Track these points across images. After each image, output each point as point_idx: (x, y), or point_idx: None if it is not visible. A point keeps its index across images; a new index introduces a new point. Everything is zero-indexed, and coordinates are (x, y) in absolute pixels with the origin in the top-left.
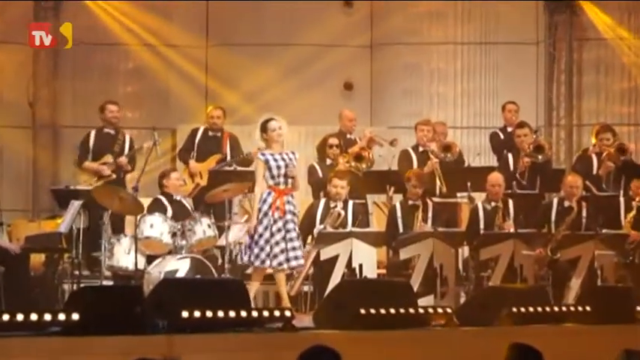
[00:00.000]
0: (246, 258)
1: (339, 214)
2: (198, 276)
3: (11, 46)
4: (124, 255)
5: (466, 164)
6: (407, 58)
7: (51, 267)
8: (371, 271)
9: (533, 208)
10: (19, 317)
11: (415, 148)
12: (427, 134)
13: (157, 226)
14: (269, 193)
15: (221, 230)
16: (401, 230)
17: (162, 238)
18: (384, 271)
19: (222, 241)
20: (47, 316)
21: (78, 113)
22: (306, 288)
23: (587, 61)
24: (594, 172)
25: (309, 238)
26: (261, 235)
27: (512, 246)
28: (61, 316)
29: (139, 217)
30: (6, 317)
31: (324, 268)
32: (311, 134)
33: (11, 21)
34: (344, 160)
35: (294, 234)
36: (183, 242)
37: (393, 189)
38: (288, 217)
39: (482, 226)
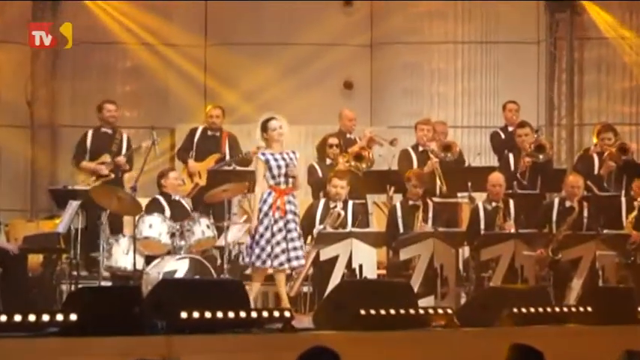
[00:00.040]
0: (247, 259)
1: (339, 215)
2: (197, 276)
3: (9, 45)
4: (122, 255)
5: (467, 164)
6: (407, 58)
7: (49, 267)
8: (371, 272)
9: (534, 208)
10: (17, 318)
11: (415, 147)
12: (427, 134)
13: (156, 227)
14: (269, 193)
15: (220, 230)
16: (401, 230)
17: (161, 239)
18: (384, 271)
19: (221, 242)
20: (45, 317)
21: (76, 113)
22: (305, 289)
23: (588, 60)
24: (595, 171)
25: (309, 238)
26: (262, 236)
27: (513, 246)
28: (59, 317)
29: (137, 218)
30: (4, 318)
31: (323, 268)
32: (311, 134)
33: (9, 20)
34: (344, 160)
35: (295, 234)
36: (182, 242)
37: (393, 189)
38: (289, 216)
39: (482, 226)
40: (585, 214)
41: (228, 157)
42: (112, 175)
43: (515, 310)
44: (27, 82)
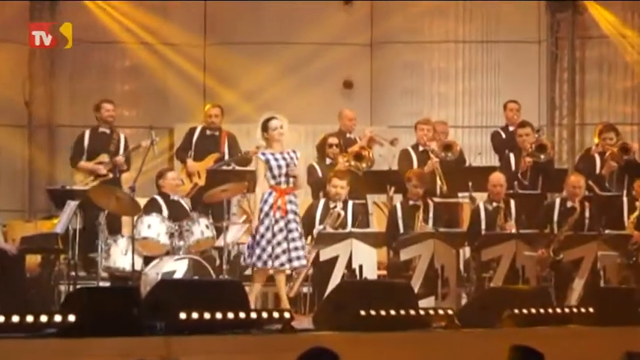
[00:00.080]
0: (248, 259)
1: (339, 215)
2: (196, 277)
3: (7, 44)
4: (120, 256)
5: (467, 164)
6: (407, 57)
7: (47, 268)
8: (371, 272)
9: (535, 208)
10: (15, 319)
11: (415, 147)
12: (427, 133)
13: (155, 227)
14: (270, 193)
15: (219, 231)
16: (401, 231)
17: (160, 239)
18: (384, 272)
19: (220, 242)
20: (43, 318)
21: (75, 112)
22: (305, 289)
23: (589, 59)
24: (597, 171)
25: (309, 238)
26: (262, 236)
27: (514, 247)
28: (58, 318)
29: (136, 218)
30: (1, 319)
31: (323, 269)
32: (310, 133)
33: (7, 20)
34: (344, 160)
35: (296, 234)
36: (181, 243)
37: (393, 189)
38: (290, 216)
39: (483, 226)
40: (587, 214)
41: (227, 156)
42: (111, 175)
43: (516, 311)
44: (25, 81)
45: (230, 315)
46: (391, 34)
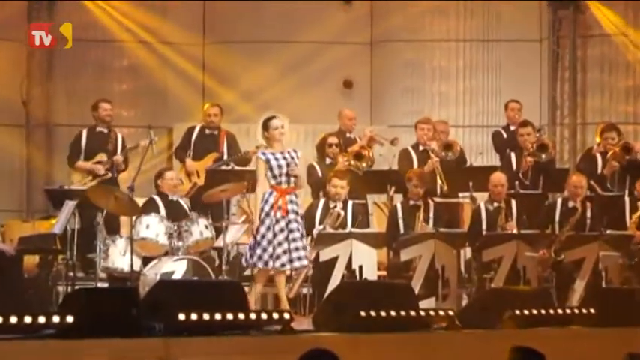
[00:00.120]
0: (250, 260)
1: (339, 215)
2: (195, 278)
3: (5, 43)
4: (119, 256)
5: (468, 164)
6: (408, 56)
7: (45, 268)
8: (371, 273)
9: (536, 208)
10: (13, 320)
11: (415, 147)
12: (427, 133)
13: (153, 227)
14: (271, 193)
15: (218, 231)
16: (402, 231)
17: (159, 239)
18: (384, 272)
19: (219, 242)
20: (41, 319)
21: (72, 112)
22: (305, 290)
23: (591, 58)
24: (599, 171)
25: (309, 238)
26: (263, 236)
27: (515, 247)
28: (56, 319)
29: (134, 218)
30: None
31: (323, 269)
32: (310, 133)
33: (5, 19)
34: (344, 160)
35: (297, 234)
36: (180, 243)
37: (393, 189)
38: (291, 216)
39: (484, 226)
40: (588, 214)
41: (226, 156)
42: (109, 175)
43: (517, 311)
44: (22, 80)
45: (229, 316)
46: (391, 33)
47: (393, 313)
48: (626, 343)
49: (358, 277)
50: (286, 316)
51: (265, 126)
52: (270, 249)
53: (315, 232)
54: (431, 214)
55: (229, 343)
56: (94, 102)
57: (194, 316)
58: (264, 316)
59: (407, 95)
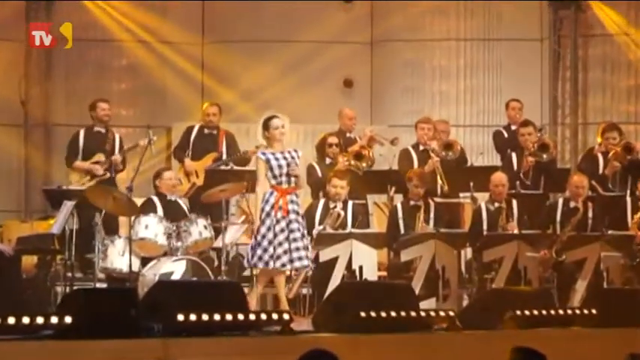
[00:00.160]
0: (251, 260)
1: (339, 215)
2: (194, 278)
3: (3, 43)
4: (117, 257)
5: (469, 163)
6: (408, 55)
7: (43, 269)
8: (371, 273)
9: (537, 208)
10: (11, 320)
11: (415, 146)
12: (427, 133)
13: (152, 228)
14: (271, 193)
15: (217, 231)
16: (402, 231)
17: (157, 240)
18: (384, 273)
19: (218, 243)
20: (39, 320)
21: (71, 112)
22: (305, 290)
23: (592, 57)
24: (600, 171)
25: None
26: (264, 236)
27: (516, 247)
28: (54, 320)
29: (133, 218)
30: None
31: (323, 270)
32: (310, 133)
33: (3, 18)
34: (344, 159)
35: (298, 234)
36: (179, 244)
37: (394, 189)
38: (292, 216)
39: (485, 227)
40: (590, 214)
41: (225, 155)
42: (108, 175)
43: (518, 312)
44: (21, 80)
45: (228, 316)
46: (391, 33)
47: (393, 313)
48: (627, 344)
49: (358, 278)
50: (286, 316)
51: (266, 125)
52: (271, 249)
53: (314, 232)
54: (431, 215)
55: (228, 343)
56: (92, 102)
57: (193, 317)
58: (263, 316)
59: (407, 95)
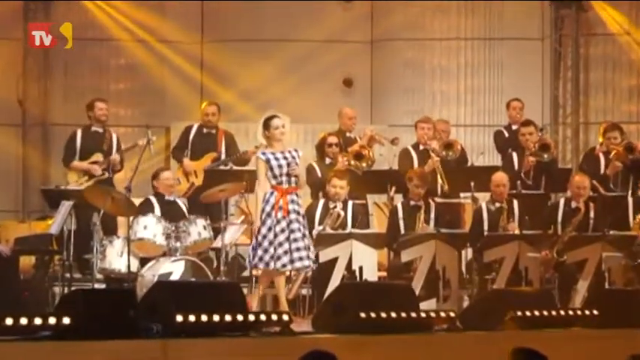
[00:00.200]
0: (253, 261)
1: (339, 215)
2: (193, 279)
3: (1, 42)
4: (116, 257)
5: (469, 163)
6: (408, 54)
7: (41, 269)
8: (371, 274)
9: (538, 208)
10: (9, 321)
11: (415, 146)
12: (427, 132)
13: (151, 228)
14: (272, 193)
15: (217, 232)
16: (402, 231)
17: (156, 240)
18: (384, 273)
19: (217, 243)
20: (37, 320)
21: (69, 111)
22: (304, 291)
23: (594, 57)
24: (602, 171)
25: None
26: (264, 237)
27: (517, 248)
28: (52, 320)
29: (131, 219)
30: None
31: (323, 270)
32: (310, 133)
33: (0, 17)
34: (343, 159)
35: (298, 234)
36: (178, 244)
37: (394, 189)
38: (292, 216)
39: (486, 227)
40: (591, 214)
41: (224, 155)
42: (107, 175)
43: (519, 313)
44: (18, 79)
45: (228, 317)
46: (392, 32)
47: (393, 314)
48: (629, 345)
49: (358, 278)
50: (285, 317)
51: (266, 125)
52: (272, 250)
53: (314, 232)
54: (432, 215)
55: (228, 344)
56: (89, 101)
57: (192, 318)
58: (263, 317)
59: (407, 94)
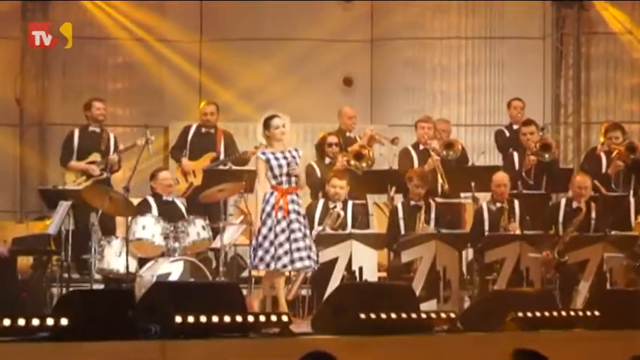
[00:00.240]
0: (253, 262)
1: (339, 215)
2: (192, 279)
3: None
4: (114, 257)
5: (470, 163)
6: (408, 54)
7: (39, 270)
8: (371, 274)
9: (539, 208)
10: (6, 322)
11: (415, 146)
12: (428, 132)
13: (149, 228)
14: (272, 193)
15: (216, 232)
16: (402, 232)
17: (155, 240)
18: (384, 274)
19: (216, 243)
20: (35, 321)
21: (67, 111)
22: (304, 292)
23: (595, 56)
24: (603, 171)
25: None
26: (265, 237)
27: (518, 248)
28: (50, 321)
29: (130, 219)
30: None
31: (322, 271)
32: (310, 132)
33: None
34: (343, 159)
35: (299, 234)
36: (176, 244)
37: (394, 189)
38: (293, 216)
39: (486, 227)
40: (593, 215)
41: (223, 155)
42: (105, 175)
43: (520, 314)
44: (16, 78)
45: (227, 318)
46: (392, 31)
47: (393, 315)
48: (630, 346)
49: (358, 279)
50: (285, 318)
51: (266, 125)
52: (272, 250)
53: (314, 232)
54: (432, 215)
55: (227, 345)
56: (86, 101)
57: (191, 319)
58: (262, 318)
59: (407, 94)
